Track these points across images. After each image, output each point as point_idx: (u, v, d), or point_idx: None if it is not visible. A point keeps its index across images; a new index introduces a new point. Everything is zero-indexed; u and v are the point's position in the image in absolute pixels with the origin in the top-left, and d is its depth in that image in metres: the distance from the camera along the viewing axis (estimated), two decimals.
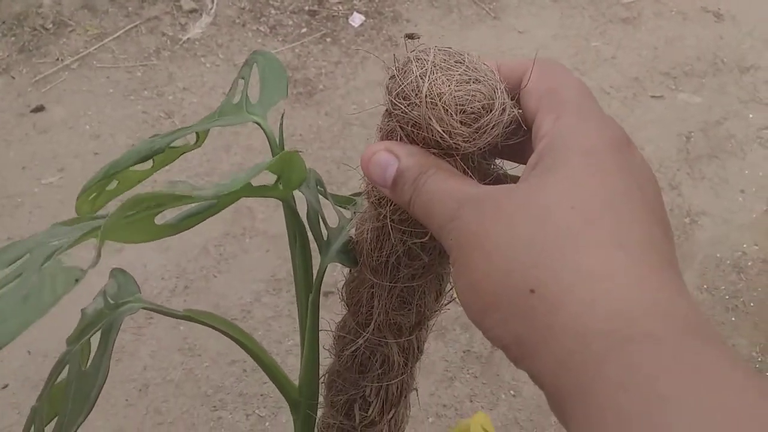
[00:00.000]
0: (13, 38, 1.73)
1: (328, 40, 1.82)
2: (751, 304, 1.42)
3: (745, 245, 1.51)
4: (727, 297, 1.43)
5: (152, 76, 1.69)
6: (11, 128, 1.57)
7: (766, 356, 1.35)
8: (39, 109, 1.60)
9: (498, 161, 0.33)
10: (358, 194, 0.46)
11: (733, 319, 1.40)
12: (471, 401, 1.27)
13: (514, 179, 0.33)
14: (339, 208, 0.42)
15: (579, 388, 0.23)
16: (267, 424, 1.23)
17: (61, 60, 1.70)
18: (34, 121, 1.59)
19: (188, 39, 1.77)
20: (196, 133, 0.44)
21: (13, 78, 1.66)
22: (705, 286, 1.44)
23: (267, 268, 1.41)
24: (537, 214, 0.26)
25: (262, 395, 1.25)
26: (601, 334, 0.23)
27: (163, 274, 1.38)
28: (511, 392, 1.29)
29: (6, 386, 1.24)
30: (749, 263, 1.48)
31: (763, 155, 1.67)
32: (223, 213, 1.47)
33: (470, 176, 0.31)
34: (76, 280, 0.23)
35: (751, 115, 1.75)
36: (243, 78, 0.39)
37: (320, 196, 0.41)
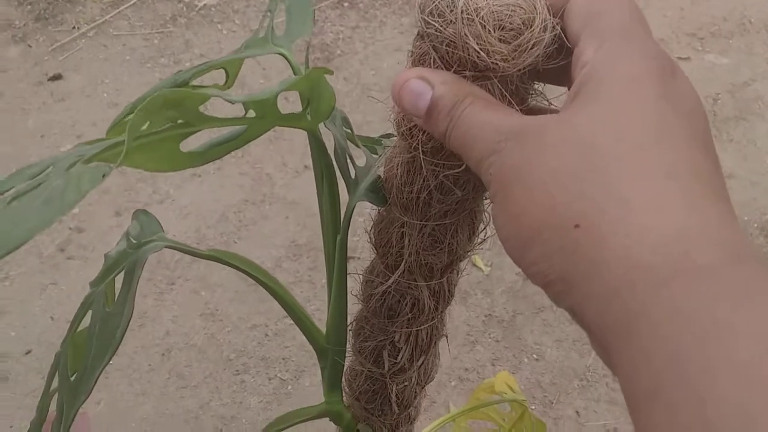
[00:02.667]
0: (29, 7, 1.73)
1: (346, 4, 1.79)
2: None
3: None
4: None
5: (169, 44, 1.68)
6: (29, 97, 1.57)
7: None
8: (56, 77, 1.59)
9: (538, 86, 0.31)
10: (387, 135, 0.44)
11: None
12: (493, 365, 1.27)
13: (553, 110, 0.31)
14: (366, 148, 0.40)
15: (627, 323, 0.22)
16: (289, 387, 1.23)
17: (78, 28, 1.68)
18: (52, 89, 1.58)
19: (204, 5, 1.75)
20: (225, 71, 0.42)
21: (30, 47, 1.65)
22: None
23: (287, 234, 1.40)
24: (581, 145, 0.25)
25: (284, 359, 1.25)
26: (651, 266, 0.22)
27: (183, 240, 1.37)
28: (534, 356, 1.28)
29: (29, 352, 1.25)
30: None
31: None
32: (241, 180, 1.47)
33: (509, 102, 0.29)
34: (104, 176, 0.22)
35: None
36: (270, 12, 0.37)
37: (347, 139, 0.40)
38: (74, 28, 1.68)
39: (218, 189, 1.46)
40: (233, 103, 0.25)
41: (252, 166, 1.49)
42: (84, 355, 0.37)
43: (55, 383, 0.40)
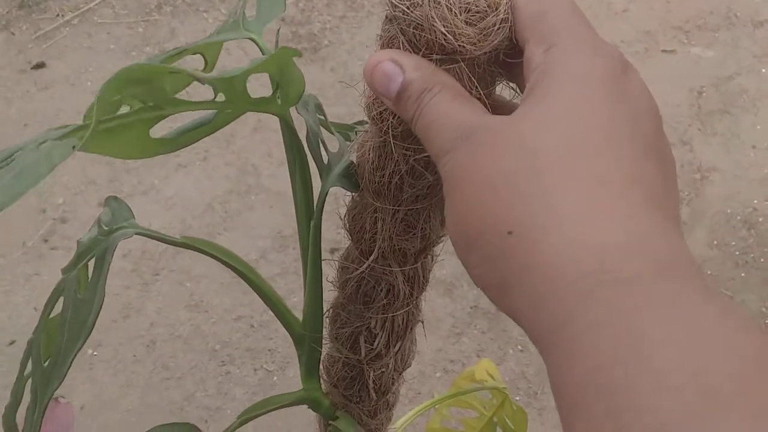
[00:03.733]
0: None
1: None
2: (762, 260, 1.40)
3: (756, 201, 1.49)
4: (737, 253, 1.42)
5: (154, 32, 1.66)
6: (12, 85, 1.56)
7: None
8: (40, 65, 1.58)
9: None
10: (361, 122, 0.44)
11: (743, 274, 1.39)
12: (478, 356, 1.27)
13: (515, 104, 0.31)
14: (339, 135, 0.40)
15: (554, 329, 0.22)
16: (275, 378, 1.23)
17: (62, 16, 1.67)
18: (35, 78, 1.57)
19: None
20: (204, 57, 0.42)
21: (13, 34, 1.64)
22: (715, 242, 1.43)
23: (272, 225, 1.40)
24: (523, 150, 0.25)
25: (269, 350, 1.26)
26: (576, 276, 0.22)
27: (168, 231, 1.37)
28: (519, 347, 1.28)
29: (13, 342, 1.24)
30: (760, 219, 1.46)
31: None
32: (227, 170, 1.46)
33: (476, 87, 0.29)
34: (73, 147, 0.22)
35: (764, 70, 1.71)
36: None
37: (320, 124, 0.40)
38: (58, 15, 1.67)
39: (204, 180, 1.45)
40: (202, 82, 0.25)
41: (237, 157, 1.48)
42: (56, 341, 0.37)
43: (28, 369, 0.40)
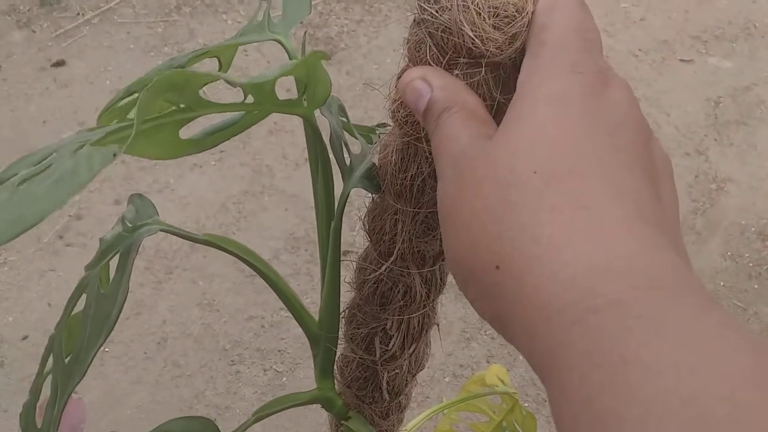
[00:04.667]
0: None
1: None
2: None
3: None
4: (750, 264, 1.41)
5: (173, 32, 1.68)
6: (32, 82, 1.57)
7: None
8: (59, 63, 1.59)
9: None
10: (383, 125, 0.44)
11: (756, 286, 1.38)
12: (488, 362, 1.27)
13: None
14: (362, 137, 0.40)
15: (548, 360, 0.22)
16: (284, 379, 1.23)
17: (82, 15, 1.69)
18: (55, 75, 1.58)
19: None
20: (218, 59, 0.42)
21: (34, 32, 1.66)
22: (729, 253, 1.42)
23: (285, 226, 1.40)
24: (499, 182, 0.25)
25: (279, 351, 1.26)
26: (564, 306, 0.22)
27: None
28: None
29: (26, 337, 1.25)
30: None
31: None
32: (242, 171, 1.47)
33: (500, 91, 0.30)
34: (114, 155, 0.22)
35: None
36: None
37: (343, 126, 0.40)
38: (79, 14, 1.69)
39: (218, 180, 1.46)
40: (234, 86, 0.26)
41: (252, 158, 1.49)
42: (78, 337, 0.37)
43: (49, 366, 0.40)
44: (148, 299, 1.30)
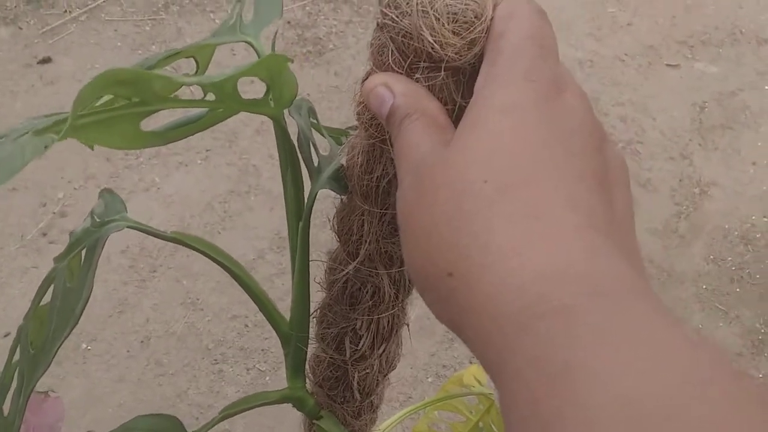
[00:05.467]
0: None
1: None
2: (758, 276, 1.41)
3: (754, 217, 1.49)
4: (733, 268, 1.42)
5: (161, 31, 1.67)
6: (18, 79, 1.57)
7: None
8: (46, 60, 1.59)
9: None
10: (354, 127, 0.45)
11: (738, 290, 1.39)
12: (471, 362, 1.28)
13: None
14: (331, 138, 0.41)
15: (500, 366, 0.23)
16: (267, 378, 1.24)
17: (69, 12, 1.68)
18: (41, 72, 1.58)
19: None
20: (196, 60, 0.42)
21: (21, 29, 1.65)
22: (712, 257, 1.43)
23: (271, 226, 1.40)
24: (453, 191, 0.25)
25: (263, 350, 1.26)
26: (513, 313, 0.22)
27: (167, 229, 1.37)
28: None
29: (8, 334, 1.25)
30: (757, 235, 1.47)
31: None
32: (228, 170, 1.46)
33: (461, 95, 0.30)
34: (46, 147, 0.23)
35: (767, 87, 1.71)
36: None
37: (313, 128, 0.40)
38: (66, 11, 1.68)
39: (204, 179, 1.46)
40: (189, 85, 0.26)
41: (239, 158, 1.49)
42: (45, 329, 0.37)
43: (17, 356, 0.40)
44: (132, 297, 1.30)
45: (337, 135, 0.42)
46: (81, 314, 0.34)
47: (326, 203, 0.42)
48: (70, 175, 1.43)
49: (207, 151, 1.49)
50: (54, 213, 1.39)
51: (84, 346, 1.24)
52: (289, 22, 1.72)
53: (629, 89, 1.67)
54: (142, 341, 1.26)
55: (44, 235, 1.36)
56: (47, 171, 1.42)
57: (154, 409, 1.17)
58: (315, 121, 0.40)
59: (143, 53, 1.63)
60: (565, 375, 0.20)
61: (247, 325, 1.28)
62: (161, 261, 1.34)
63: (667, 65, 1.73)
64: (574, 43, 1.75)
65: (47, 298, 0.39)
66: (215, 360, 1.25)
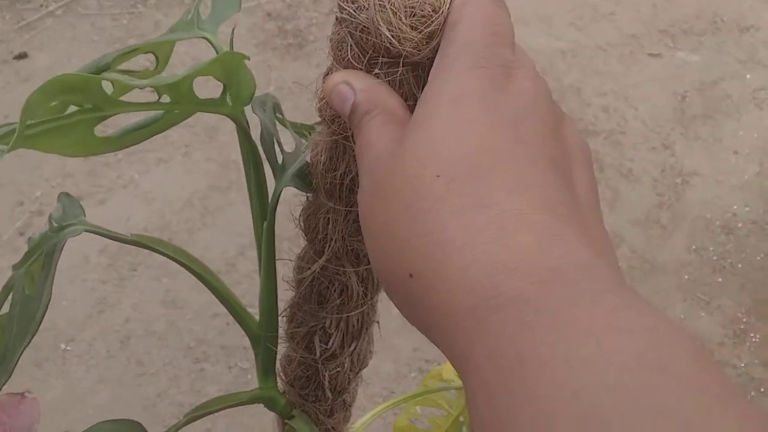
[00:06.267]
0: None
1: None
2: (739, 266, 1.41)
3: (735, 206, 1.50)
4: (715, 258, 1.42)
5: (138, 24, 1.65)
6: None
7: (751, 317, 1.35)
8: (22, 56, 1.56)
9: None
10: (320, 123, 0.44)
11: (720, 280, 1.40)
12: None
13: None
14: (298, 136, 0.40)
15: (462, 364, 0.22)
16: (249, 376, 1.23)
17: (45, 6, 1.66)
18: (17, 68, 1.56)
19: None
20: (155, 56, 0.41)
21: None
22: (693, 247, 1.44)
23: (251, 222, 1.39)
24: (404, 189, 0.25)
25: (244, 348, 1.25)
26: (470, 309, 0.22)
27: (147, 226, 1.36)
28: None
29: None
30: (739, 224, 1.47)
31: (758, 116, 1.65)
32: (208, 166, 1.45)
33: (420, 90, 0.29)
34: None
35: (748, 76, 1.72)
36: None
37: (278, 124, 0.40)
38: (42, 6, 1.66)
39: (184, 175, 1.44)
40: (142, 87, 0.25)
41: (219, 153, 1.48)
42: (4, 337, 0.37)
43: None
44: (111, 296, 1.29)
45: (304, 130, 0.41)
46: (40, 322, 0.33)
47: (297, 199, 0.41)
48: (48, 173, 1.41)
49: (186, 146, 1.47)
50: (31, 212, 1.37)
51: (63, 346, 1.23)
52: (269, 14, 1.70)
53: (611, 79, 1.67)
54: (122, 341, 1.25)
55: (21, 234, 1.34)
56: (24, 169, 1.40)
57: (134, 409, 1.16)
58: (281, 116, 0.40)
59: (121, 47, 1.61)
60: (518, 368, 0.20)
61: (228, 323, 1.27)
62: (140, 259, 1.33)
63: (649, 54, 1.73)
64: (556, 33, 1.74)
65: (6, 307, 0.38)
66: (197, 359, 1.24)
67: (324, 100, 0.32)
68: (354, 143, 0.29)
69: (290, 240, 0.43)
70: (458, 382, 0.68)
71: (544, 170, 0.24)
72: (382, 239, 0.25)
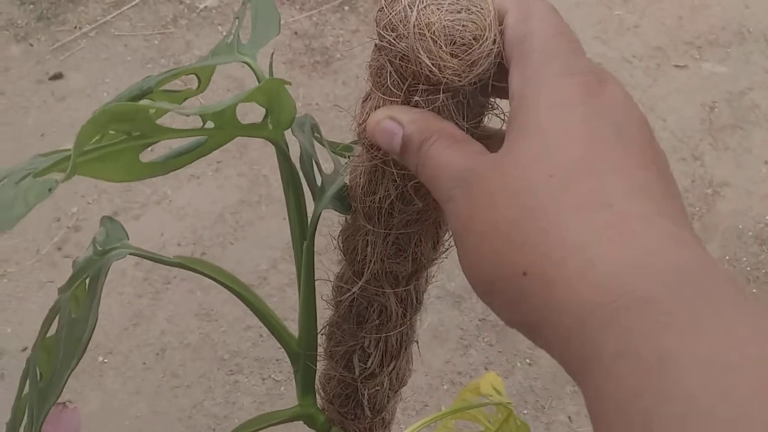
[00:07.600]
0: (31, 6, 1.74)
1: (346, 8, 1.80)
2: None
3: (767, 217, 1.48)
4: (748, 268, 1.41)
5: (170, 44, 1.69)
6: (30, 95, 1.58)
7: None
8: (57, 76, 1.60)
9: (494, 101, 0.32)
10: (357, 142, 0.45)
11: (755, 290, 1.38)
12: (486, 369, 1.27)
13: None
14: (336, 155, 0.41)
15: (584, 363, 0.22)
16: (282, 388, 1.24)
17: (79, 28, 1.70)
18: (53, 88, 1.60)
19: (205, 7, 1.77)
20: (197, 77, 0.43)
21: (32, 45, 1.67)
22: (726, 258, 1.42)
23: (283, 235, 1.41)
24: (514, 191, 0.25)
25: (277, 360, 1.26)
26: (595, 307, 0.22)
27: (180, 241, 1.39)
28: (527, 361, 1.28)
29: (25, 349, 1.26)
30: None
31: None
32: (239, 181, 1.48)
33: (462, 117, 0.30)
34: (50, 190, 0.23)
35: None
36: (237, 18, 0.38)
37: (317, 143, 0.41)
38: (76, 27, 1.70)
39: (215, 190, 1.47)
40: (188, 116, 0.26)
41: (249, 168, 1.50)
42: (52, 360, 0.38)
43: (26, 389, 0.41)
44: (147, 310, 1.31)
45: (342, 151, 0.42)
46: (87, 344, 0.35)
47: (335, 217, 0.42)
48: (83, 189, 1.44)
49: (218, 162, 1.50)
50: (68, 227, 1.40)
51: (100, 359, 1.25)
52: (296, 33, 1.73)
53: (638, 91, 1.66)
54: (157, 353, 1.27)
55: (59, 249, 1.37)
56: (61, 186, 1.43)
57: (170, 420, 1.17)
58: (318, 136, 0.41)
59: (153, 67, 1.65)
60: (656, 369, 0.19)
61: (261, 335, 1.29)
62: (175, 273, 1.35)
63: (675, 66, 1.72)
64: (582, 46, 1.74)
65: (54, 328, 0.40)
66: (230, 371, 1.25)
67: (363, 124, 0.33)
68: (420, 175, 0.29)
69: (320, 253, 0.43)
70: (497, 398, 0.68)
71: (650, 175, 0.25)
72: (486, 243, 0.25)
